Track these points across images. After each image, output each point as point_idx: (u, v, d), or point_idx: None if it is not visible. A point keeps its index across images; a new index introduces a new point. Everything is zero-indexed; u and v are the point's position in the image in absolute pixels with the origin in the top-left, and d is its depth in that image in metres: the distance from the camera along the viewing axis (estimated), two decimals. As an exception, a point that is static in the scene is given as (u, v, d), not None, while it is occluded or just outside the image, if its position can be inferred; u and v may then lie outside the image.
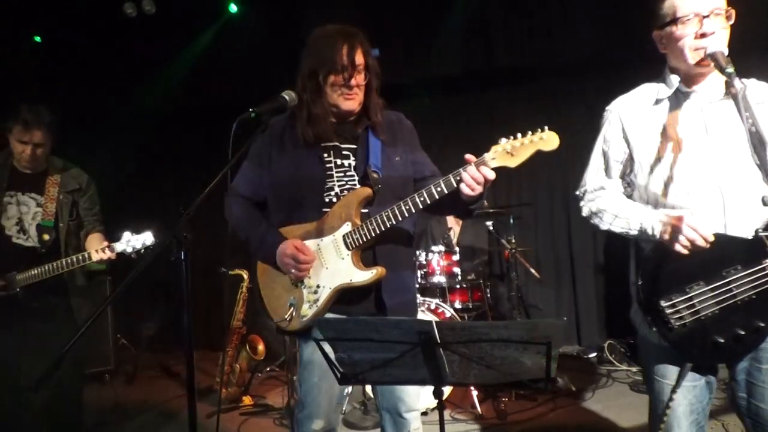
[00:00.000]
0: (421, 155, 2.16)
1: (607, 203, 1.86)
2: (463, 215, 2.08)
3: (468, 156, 1.80)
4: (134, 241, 2.81)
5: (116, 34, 5.63)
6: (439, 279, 4.31)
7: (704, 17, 1.66)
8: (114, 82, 5.84)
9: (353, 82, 1.95)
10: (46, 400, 3.00)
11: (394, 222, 1.89)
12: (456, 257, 4.42)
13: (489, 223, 4.80)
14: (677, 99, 1.78)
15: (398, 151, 2.07)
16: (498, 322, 1.39)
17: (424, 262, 4.34)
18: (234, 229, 2.10)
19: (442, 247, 4.41)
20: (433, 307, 3.94)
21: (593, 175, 1.92)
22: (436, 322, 1.39)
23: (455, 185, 1.81)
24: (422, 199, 1.85)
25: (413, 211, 1.87)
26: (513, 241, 4.43)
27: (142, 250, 2.82)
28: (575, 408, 3.79)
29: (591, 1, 5.09)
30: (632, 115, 1.84)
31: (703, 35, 1.67)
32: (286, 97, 1.94)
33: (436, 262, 4.33)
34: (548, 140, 1.77)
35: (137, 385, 5.07)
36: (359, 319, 1.48)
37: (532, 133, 1.78)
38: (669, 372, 1.77)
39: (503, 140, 1.80)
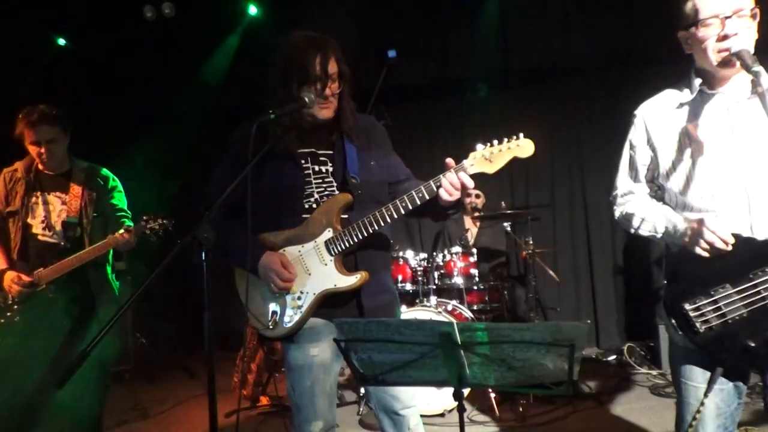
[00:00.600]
0: (395, 159, 2.19)
1: (635, 207, 1.88)
2: (440, 218, 2.10)
3: (449, 160, 1.86)
4: (152, 222, 2.90)
5: (137, 37, 5.71)
6: (457, 280, 4.29)
7: (726, 18, 1.64)
8: (135, 85, 5.92)
9: (328, 92, 1.96)
10: (68, 398, 3.05)
11: (376, 227, 1.93)
12: (473, 258, 4.40)
13: (507, 224, 4.77)
14: (702, 101, 1.76)
15: (373, 156, 2.09)
16: (520, 324, 1.38)
17: (442, 263, 4.33)
18: None
19: (459, 249, 4.39)
20: (450, 308, 3.93)
21: (622, 179, 1.94)
22: (457, 323, 1.39)
23: (436, 191, 1.86)
24: (404, 204, 1.90)
25: (395, 216, 1.91)
26: (530, 242, 4.40)
27: (161, 231, 2.92)
28: (594, 411, 3.75)
29: (608, 1, 5.06)
30: (657, 119, 1.84)
31: (725, 37, 1.64)
32: (306, 99, 1.94)
33: (454, 263, 4.31)
34: (524, 147, 1.84)
35: (156, 384, 5.13)
36: (381, 321, 1.48)
37: (508, 140, 1.85)
38: (695, 374, 1.75)
39: (480, 147, 1.86)
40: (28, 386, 2.92)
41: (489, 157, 1.84)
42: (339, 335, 1.51)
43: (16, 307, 2.89)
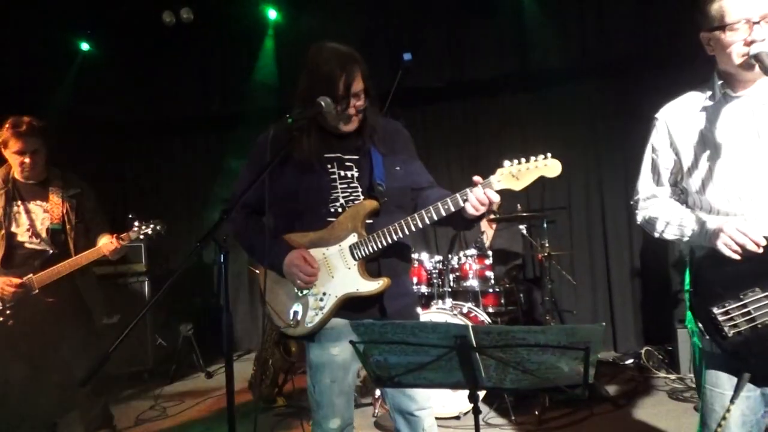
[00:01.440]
0: (418, 165, 2.20)
1: (658, 211, 1.87)
2: (463, 229, 2.15)
3: (476, 178, 1.89)
4: (145, 228, 3.07)
5: (158, 42, 5.80)
6: (472, 283, 4.28)
7: (755, 23, 1.61)
8: (156, 90, 6.02)
9: (352, 110, 1.98)
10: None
11: (401, 235, 1.96)
12: (489, 261, 4.39)
13: (522, 226, 4.75)
14: (726, 104, 1.75)
15: (397, 161, 2.11)
16: (535, 326, 1.39)
17: (457, 266, 4.33)
18: (236, 237, 2.14)
19: (474, 251, 4.39)
20: (465, 311, 3.92)
21: (644, 183, 1.93)
22: (472, 326, 1.40)
23: (461, 204, 1.89)
24: (430, 215, 1.93)
25: (420, 226, 1.95)
26: (547, 245, 4.38)
27: (154, 236, 3.09)
28: (612, 415, 3.72)
29: (626, 2, 5.01)
30: (679, 122, 1.82)
31: (752, 42, 1.62)
32: (322, 103, 1.97)
33: (469, 265, 4.30)
34: (551, 167, 1.88)
35: (175, 384, 5.18)
36: (396, 323, 1.49)
37: (536, 159, 1.88)
38: (721, 381, 1.73)
39: (507, 163, 1.89)
40: (20, 387, 3.11)
41: (516, 174, 1.87)
42: (355, 337, 1.52)
43: (9, 312, 3.00)
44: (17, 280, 2.99)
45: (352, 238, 2.00)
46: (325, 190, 2.03)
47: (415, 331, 1.45)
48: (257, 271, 4.46)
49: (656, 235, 1.88)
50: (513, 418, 3.62)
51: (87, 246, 3.18)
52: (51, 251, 3.11)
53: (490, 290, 4.39)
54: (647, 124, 1.94)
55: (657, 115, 1.89)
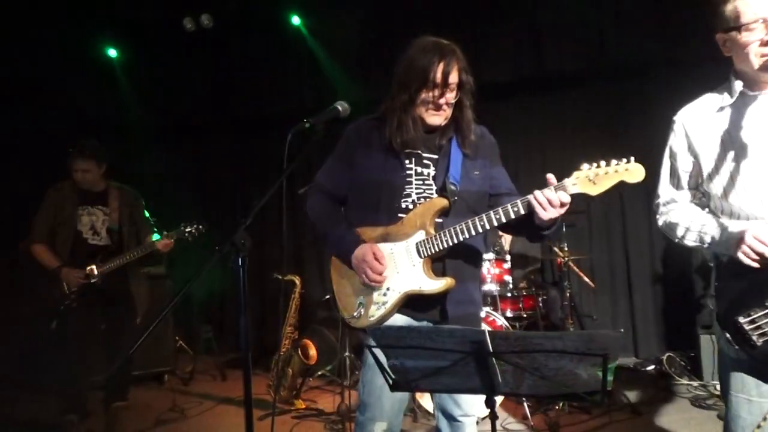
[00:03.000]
0: (500, 171, 2.18)
1: (678, 216, 1.83)
2: (536, 239, 2.07)
3: (549, 176, 1.81)
4: (189, 226, 3.64)
5: (179, 47, 5.89)
6: (490, 287, 4.26)
7: None
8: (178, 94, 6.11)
9: (442, 100, 1.98)
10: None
11: (467, 236, 1.93)
12: (507, 265, 4.36)
13: (541, 230, 4.70)
14: (744, 104, 1.72)
15: (478, 165, 2.09)
16: (553, 332, 1.38)
17: (475, 270, 4.30)
18: (313, 223, 2.18)
19: (493, 255, 4.37)
20: (483, 315, 3.90)
21: (664, 187, 1.90)
22: (489, 331, 1.39)
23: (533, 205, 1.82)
24: (498, 216, 1.88)
25: (487, 227, 1.90)
26: (566, 249, 4.34)
27: (197, 234, 3.65)
28: (632, 422, 3.66)
29: (643, 3, 4.96)
30: (697, 124, 1.79)
31: None
32: (339, 108, 1.99)
33: (487, 269, 4.28)
34: (633, 172, 1.74)
35: (194, 386, 5.23)
36: (413, 328, 1.49)
37: (617, 163, 1.76)
38: (748, 386, 1.70)
39: (585, 166, 1.78)
40: (80, 359, 3.72)
41: (593, 178, 1.76)
42: (372, 341, 1.53)
43: (73, 296, 3.67)
44: (82, 273, 3.64)
45: (420, 236, 1.99)
46: (399, 186, 2.04)
47: (431, 336, 1.45)
48: (278, 276, 4.53)
49: (676, 240, 1.84)
50: (531, 424, 3.59)
51: (137, 246, 3.84)
52: (109, 247, 3.78)
53: (509, 295, 4.36)
54: (666, 126, 1.90)
55: (675, 118, 1.86)
